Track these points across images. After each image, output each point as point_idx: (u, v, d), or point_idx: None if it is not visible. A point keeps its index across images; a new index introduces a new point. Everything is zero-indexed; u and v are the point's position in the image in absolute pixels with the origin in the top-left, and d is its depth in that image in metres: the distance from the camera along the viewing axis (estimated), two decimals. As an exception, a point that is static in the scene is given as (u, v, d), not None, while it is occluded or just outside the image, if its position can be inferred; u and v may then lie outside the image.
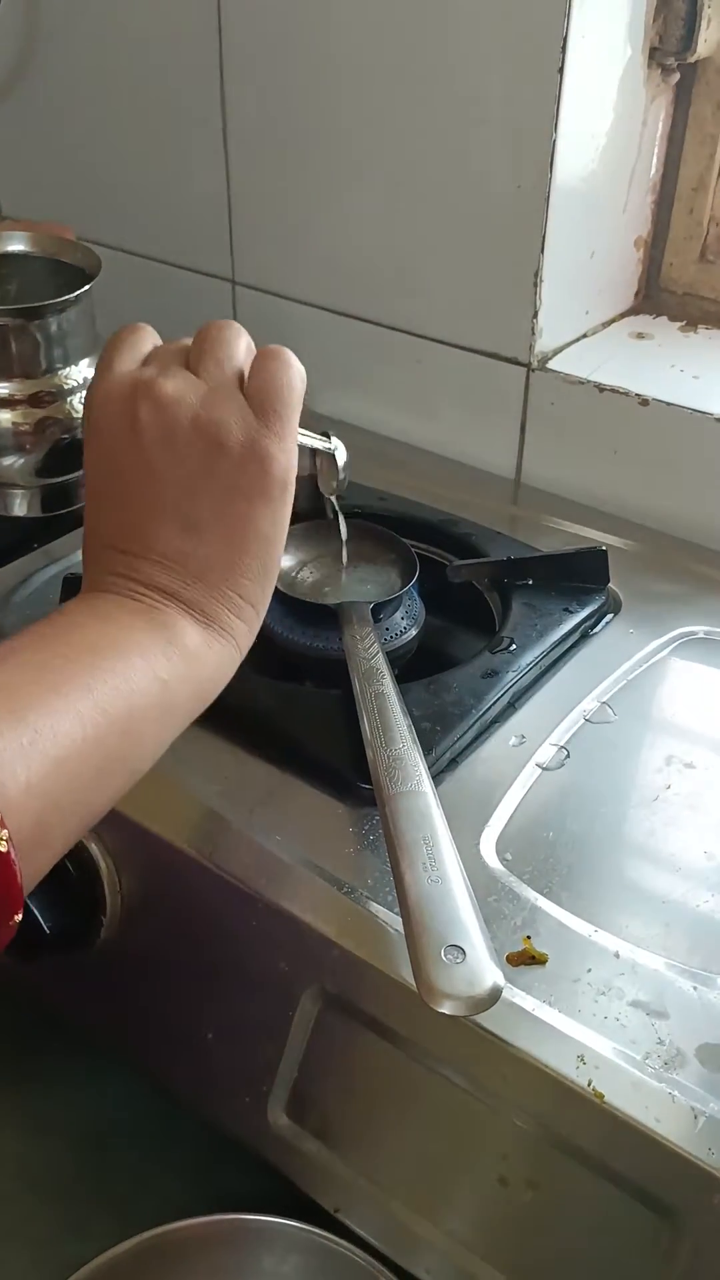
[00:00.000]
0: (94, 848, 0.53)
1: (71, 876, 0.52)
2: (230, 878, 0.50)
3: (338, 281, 0.83)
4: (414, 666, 0.64)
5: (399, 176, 0.76)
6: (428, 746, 0.53)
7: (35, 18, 0.88)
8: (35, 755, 0.37)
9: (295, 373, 0.48)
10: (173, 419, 0.45)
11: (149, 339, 0.49)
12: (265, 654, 0.65)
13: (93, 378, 0.47)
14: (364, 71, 0.74)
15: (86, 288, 0.67)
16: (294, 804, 0.53)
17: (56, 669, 0.40)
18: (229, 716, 0.56)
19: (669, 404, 0.71)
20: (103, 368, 0.47)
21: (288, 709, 0.56)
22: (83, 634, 0.43)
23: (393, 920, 0.47)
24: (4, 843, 0.35)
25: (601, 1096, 0.41)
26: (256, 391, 0.47)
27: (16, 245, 0.70)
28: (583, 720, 0.58)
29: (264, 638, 0.63)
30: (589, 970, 0.45)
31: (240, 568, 0.46)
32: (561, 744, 0.57)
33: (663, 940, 0.47)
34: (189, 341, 0.48)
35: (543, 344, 0.76)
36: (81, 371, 0.68)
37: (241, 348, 0.48)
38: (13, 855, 0.35)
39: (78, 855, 0.53)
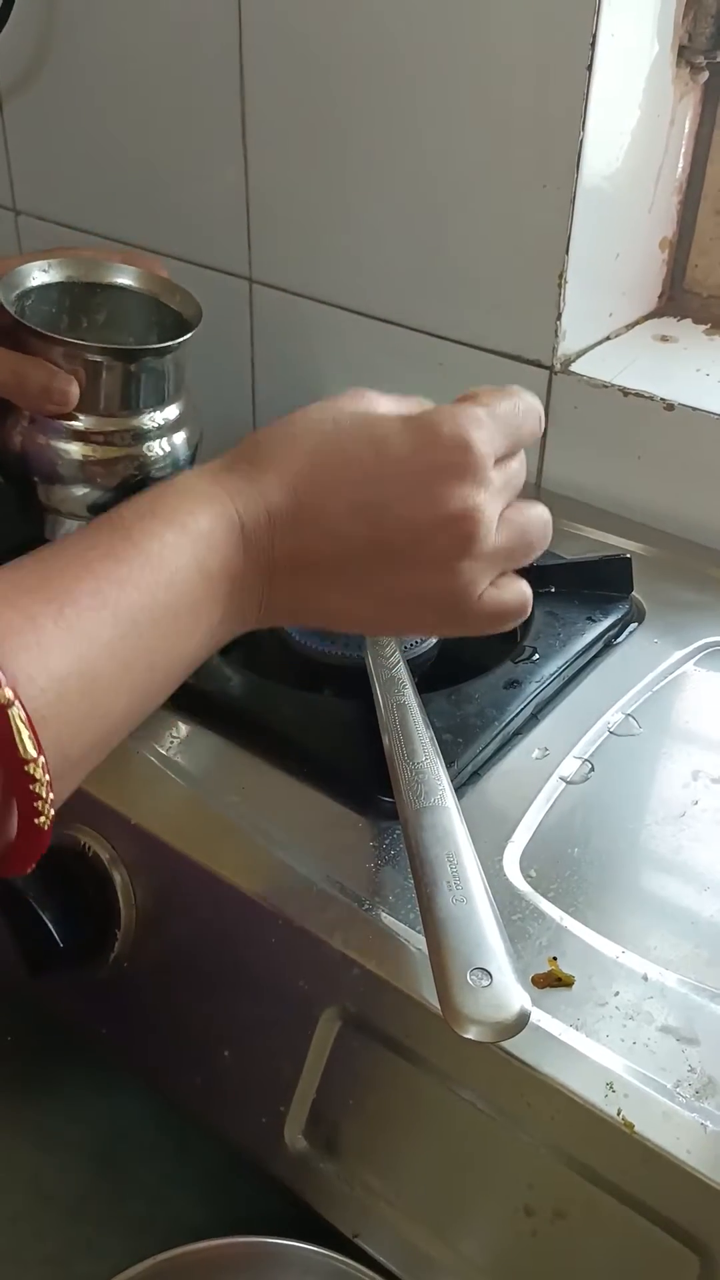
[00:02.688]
0: (107, 858, 0.52)
1: (86, 889, 0.51)
2: (247, 892, 0.48)
3: (357, 281, 0.81)
4: (433, 675, 0.63)
5: (421, 175, 0.74)
6: (449, 759, 0.52)
7: (54, 11, 0.87)
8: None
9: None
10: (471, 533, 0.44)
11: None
12: (283, 661, 0.64)
13: (468, 440, 0.44)
14: (388, 67, 0.73)
15: (187, 336, 0.64)
16: (313, 816, 0.52)
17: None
18: (247, 725, 0.55)
19: (694, 409, 0.70)
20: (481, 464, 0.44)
21: (306, 718, 0.55)
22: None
23: (414, 939, 0.46)
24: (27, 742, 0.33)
25: (632, 1126, 0.40)
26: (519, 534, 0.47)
27: (123, 279, 0.68)
28: (607, 732, 0.57)
29: (282, 645, 0.62)
30: (616, 993, 0.44)
31: (345, 607, 0.45)
32: (585, 757, 0.56)
33: (692, 962, 0.46)
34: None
35: (566, 346, 0.74)
36: (164, 415, 0.65)
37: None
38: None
39: (92, 866, 0.52)
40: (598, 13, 0.63)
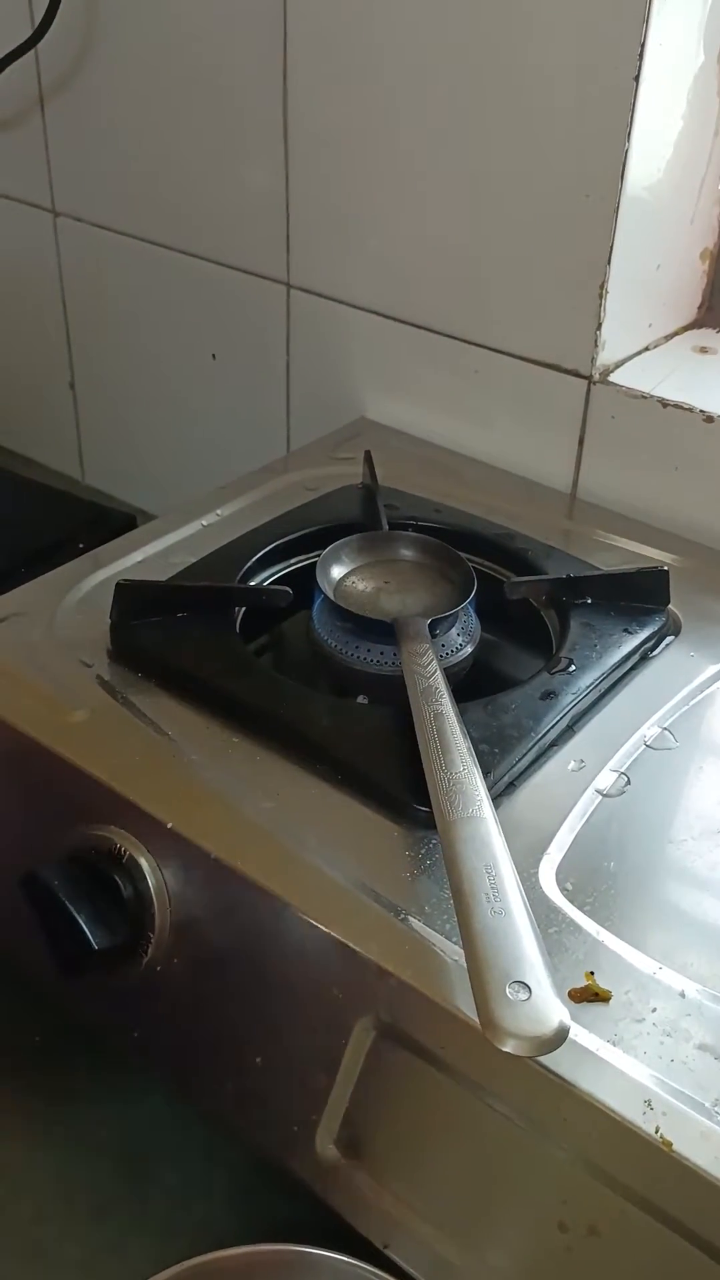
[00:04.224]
0: (144, 862, 0.52)
1: (120, 892, 0.51)
2: (282, 898, 0.48)
3: (396, 287, 0.81)
4: (468, 685, 0.62)
5: (464, 183, 0.74)
6: (486, 770, 0.52)
7: (95, 13, 0.87)
8: None
9: None
10: None
11: None
12: (318, 667, 0.64)
13: None
14: (432, 74, 0.73)
15: None
16: (349, 824, 0.52)
17: None
18: (283, 731, 0.55)
19: (734, 421, 0.70)
20: None
21: (342, 726, 0.55)
22: None
23: (451, 950, 0.45)
24: None
25: (670, 1145, 0.39)
26: None
27: None
28: (643, 746, 0.57)
29: (318, 652, 0.62)
30: (654, 1009, 0.44)
31: None
32: (622, 770, 0.55)
33: (730, 980, 0.45)
34: None
35: (605, 356, 0.74)
36: None
37: None
38: None
39: (126, 870, 0.52)
40: (646, 22, 0.63)
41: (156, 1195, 0.57)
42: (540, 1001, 0.40)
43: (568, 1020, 0.40)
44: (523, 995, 0.40)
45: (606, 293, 0.71)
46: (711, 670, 0.62)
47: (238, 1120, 0.52)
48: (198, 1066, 0.53)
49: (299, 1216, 0.51)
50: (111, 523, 0.94)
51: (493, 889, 0.44)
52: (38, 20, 0.88)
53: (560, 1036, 0.39)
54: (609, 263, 0.70)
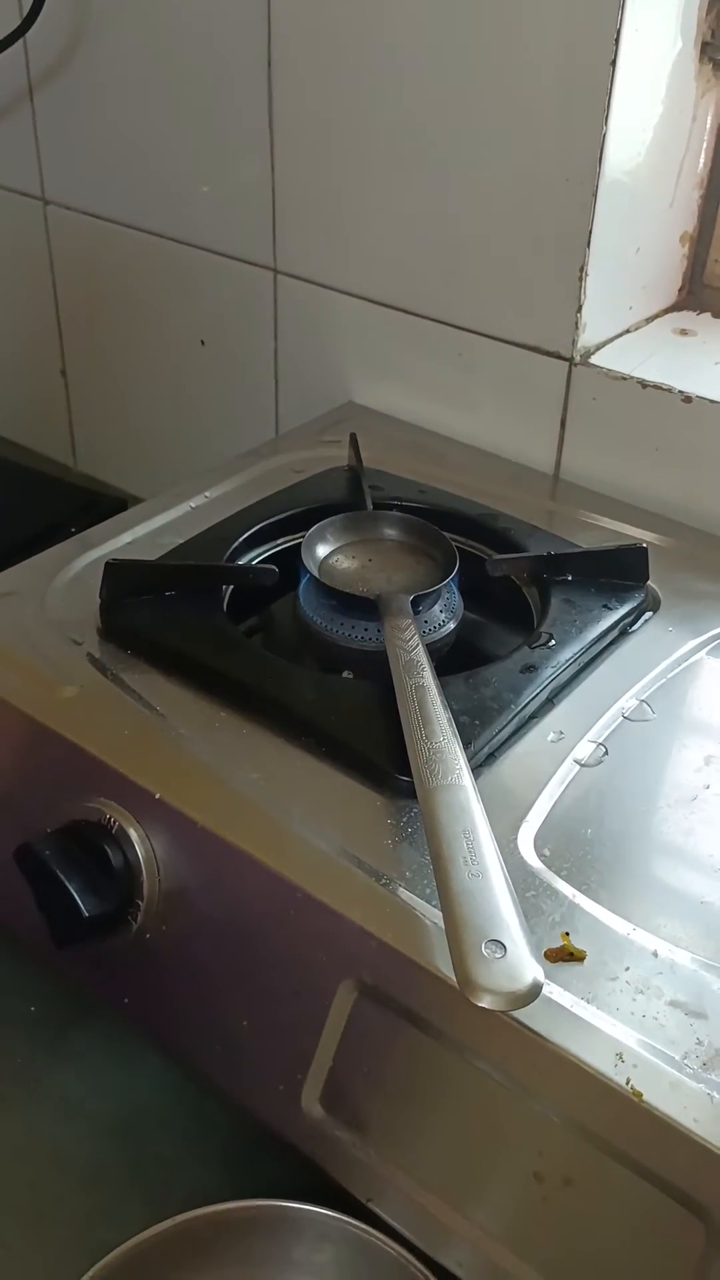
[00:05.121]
0: (133, 833, 0.53)
1: (110, 862, 0.53)
2: (268, 866, 0.50)
3: (380, 272, 0.82)
4: (451, 660, 0.64)
5: (445, 167, 0.75)
6: (466, 740, 0.53)
7: (84, 4, 0.88)
8: None
9: None
10: None
11: None
12: (303, 643, 0.65)
13: None
14: (413, 61, 0.74)
15: None
16: (332, 794, 0.53)
17: None
18: (268, 705, 0.56)
19: (712, 401, 0.71)
20: None
21: (327, 700, 0.56)
22: None
23: (431, 913, 0.47)
24: None
25: (640, 1095, 0.41)
26: None
27: None
28: (621, 718, 0.58)
29: (303, 627, 0.64)
30: (627, 969, 0.45)
31: None
32: (600, 741, 0.57)
33: (701, 941, 0.47)
34: None
35: (586, 339, 0.75)
36: None
37: None
38: None
39: (116, 840, 0.53)
40: (622, 9, 0.64)
41: (149, 1161, 0.58)
42: (515, 959, 0.41)
43: (541, 977, 0.41)
44: (498, 953, 0.41)
45: (586, 275, 0.72)
46: (689, 645, 0.63)
47: (226, 1082, 0.54)
48: (187, 1030, 0.55)
49: (290, 1181, 0.53)
50: (103, 508, 0.95)
51: (470, 853, 0.45)
52: (26, 9, 0.89)
53: (534, 992, 0.41)
54: (588, 246, 0.71)
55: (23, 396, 1.13)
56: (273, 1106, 0.51)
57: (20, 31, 0.90)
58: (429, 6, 0.71)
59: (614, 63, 0.65)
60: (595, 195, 0.70)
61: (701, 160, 0.77)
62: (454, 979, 0.41)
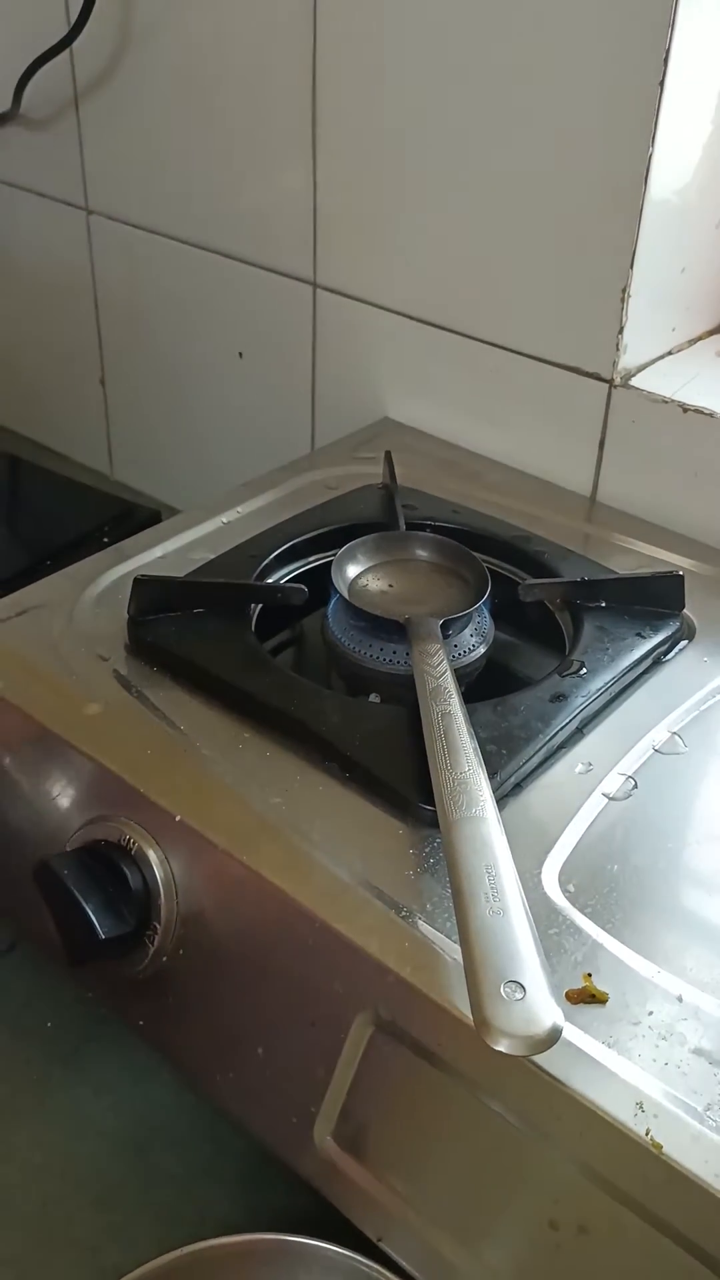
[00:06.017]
0: (153, 854, 0.53)
1: (128, 883, 0.52)
2: (287, 893, 0.49)
3: (419, 288, 0.82)
4: (481, 685, 0.63)
5: (489, 185, 0.75)
6: (492, 770, 0.52)
7: (130, 13, 0.88)
8: None
9: None
10: None
11: None
12: (331, 664, 0.65)
13: None
14: (459, 78, 0.73)
15: None
16: (354, 821, 0.52)
17: None
18: (293, 727, 0.56)
19: (754, 427, 0.70)
20: None
21: (352, 724, 0.56)
22: None
23: (450, 948, 0.46)
24: None
25: (660, 1147, 0.40)
26: None
27: None
28: (652, 750, 0.57)
29: (331, 648, 0.63)
30: (650, 1013, 0.44)
31: None
32: (629, 774, 0.55)
33: (728, 985, 0.46)
34: None
35: (627, 360, 0.74)
36: None
37: None
38: None
39: (135, 860, 0.53)
40: (672, 27, 0.63)
41: (161, 1182, 0.58)
42: (534, 1001, 0.40)
43: (561, 1021, 0.40)
44: (517, 995, 0.40)
45: (629, 296, 0.71)
46: (724, 676, 0.62)
47: (238, 1110, 0.53)
48: (201, 1056, 0.54)
49: (303, 1206, 0.52)
50: (137, 518, 0.96)
51: (492, 889, 0.44)
52: (73, 19, 0.89)
53: (553, 1037, 0.40)
54: (632, 266, 0.70)
55: (62, 404, 1.14)
56: (284, 1138, 0.50)
57: (67, 41, 0.90)
58: (475, 22, 0.71)
59: (662, 83, 0.64)
60: (640, 215, 0.68)
61: (750, 181, 0.76)
62: (471, 1020, 0.40)
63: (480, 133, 0.73)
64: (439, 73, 0.74)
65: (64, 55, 0.92)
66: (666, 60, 0.63)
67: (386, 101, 0.77)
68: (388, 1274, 0.47)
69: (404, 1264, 0.47)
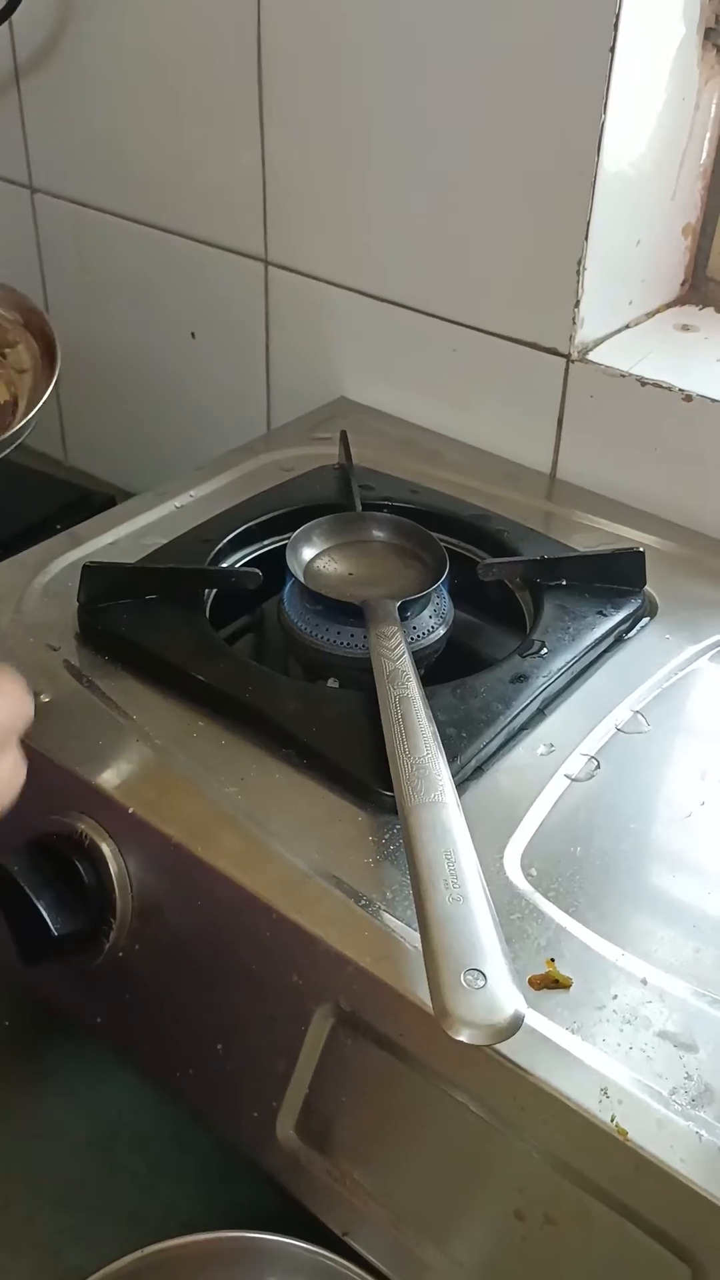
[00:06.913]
0: (106, 848, 0.51)
1: (82, 878, 0.51)
2: (243, 885, 0.48)
3: (373, 264, 0.80)
4: (441, 666, 0.62)
5: (439, 157, 0.73)
6: (453, 754, 0.51)
7: (71, -13, 0.86)
8: None
9: None
10: None
11: None
12: (288, 649, 0.64)
13: None
14: (407, 49, 0.71)
15: None
16: (313, 810, 0.51)
17: None
18: (248, 715, 0.55)
19: (713, 400, 0.69)
20: None
21: (309, 710, 0.55)
22: None
23: (411, 936, 0.45)
24: None
25: (625, 1133, 0.39)
26: None
27: None
28: (614, 730, 0.56)
29: (287, 633, 0.62)
30: (615, 997, 0.44)
31: None
32: (592, 754, 0.55)
33: (693, 967, 0.45)
34: None
35: (583, 335, 0.73)
36: None
37: None
38: None
39: (88, 855, 0.52)
40: (621, -8, 0.61)
41: (124, 1180, 0.57)
42: (496, 989, 0.39)
43: (523, 1009, 0.39)
44: (479, 983, 0.40)
45: (584, 269, 0.70)
46: (687, 652, 0.61)
47: (199, 1106, 0.52)
48: (160, 1052, 0.53)
49: (269, 1203, 0.51)
50: (92, 504, 0.94)
51: (452, 875, 0.43)
52: (11, -7, 0.87)
53: (515, 1025, 0.39)
54: (586, 239, 0.69)
55: (13, 389, 1.11)
56: (247, 1134, 0.49)
57: (4, 14, 0.88)
58: (423, -10, 0.69)
59: (613, 49, 0.63)
60: (594, 186, 0.67)
61: (705, 150, 0.75)
62: (432, 1009, 0.39)
63: (431, 103, 0.72)
64: (388, 42, 0.72)
65: (2, 29, 0.89)
66: (616, 25, 0.62)
67: (334, 73, 0.75)
68: (355, 1269, 0.46)
69: (370, 1258, 0.46)
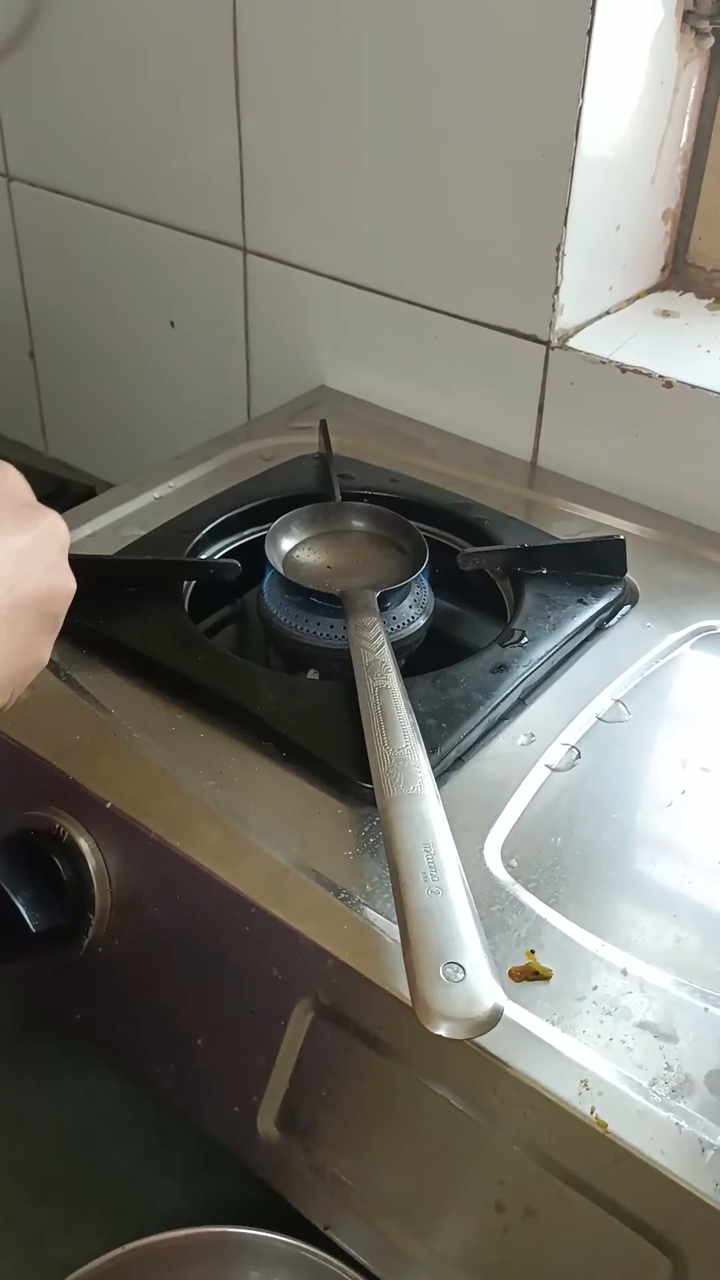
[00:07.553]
0: (84, 843, 0.51)
1: (60, 874, 0.50)
2: (222, 878, 0.47)
3: (353, 252, 0.80)
4: (421, 656, 0.62)
5: (417, 143, 0.73)
6: (432, 744, 0.51)
7: (44, -29, 0.85)
8: None
9: None
10: None
11: None
12: (268, 641, 0.63)
13: None
14: (383, 33, 0.71)
15: None
16: (292, 802, 0.51)
17: None
18: (227, 707, 0.54)
19: (694, 386, 0.69)
20: None
21: (288, 702, 0.54)
22: None
23: (390, 930, 0.45)
24: None
25: (605, 1125, 0.39)
26: None
27: None
28: (595, 719, 0.56)
29: (266, 624, 0.61)
30: (595, 988, 0.43)
31: None
32: (572, 744, 0.54)
33: (673, 956, 0.45)
34: None
35: (563, 321, 0.73)
36: None
37: None
38: None
39: (66, 850, 0.51)
40: (598, -26, 0.61)
41: (105, 1175, 0.57)
42: (475, 983, 0.39)
43: (502, 1001, 0.39)
44: (458, 976, 0.39)
45: (564, 255, 0.69)
46: (668, 640, 0.61)
47: (180, 1100, 0.52)
48: (140, 1047, 0.53)
49: (252, 1196, 0.51)
50: (71, 495, 0.93)
51: (431, 868, 0.43)
52: (-16, -23, 0.86)
53: (494, 1018, 0.39)
54: (565, 224, 0.68)
55: (-9, 379, 1.11)
56: (228, 1128, 0.49)
57: (-20, 0, 0.87)
58: (399, -27, 0.68)
59: (590, 32, 0.62)
60: (572, 171, 0.67)
61: (684, 134, 0.75)
62: (411, 1003, 0.39)
63: (408, 88, 0.71)
64: (365, 27, 0.71)
65: (-23, 14, 0.88)
66: (594, 8, 0.62)
67: (311, 58, 0.75)
68: (336, 1262, 0.46)
69: (352, 1252, 0.46)
